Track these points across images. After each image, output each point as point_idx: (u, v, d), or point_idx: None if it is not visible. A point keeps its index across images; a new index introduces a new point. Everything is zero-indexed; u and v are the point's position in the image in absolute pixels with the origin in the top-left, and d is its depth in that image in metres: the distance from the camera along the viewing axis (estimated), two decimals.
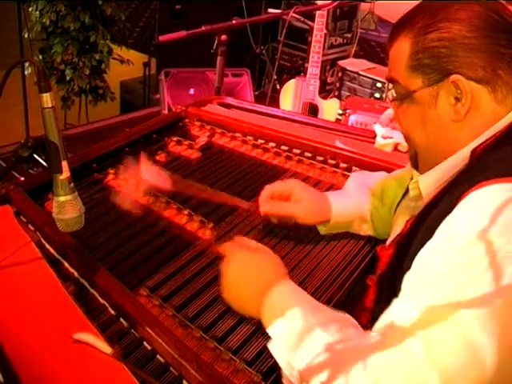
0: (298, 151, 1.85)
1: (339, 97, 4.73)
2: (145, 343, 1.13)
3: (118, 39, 4.99)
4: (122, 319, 1.17)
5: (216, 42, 2.12)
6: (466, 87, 1.00)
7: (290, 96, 3.47)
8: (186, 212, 1.48)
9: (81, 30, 4.56)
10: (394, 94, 1.12)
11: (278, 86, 4.45)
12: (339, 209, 1.42)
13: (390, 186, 1.45)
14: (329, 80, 5.37)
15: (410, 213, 1.20)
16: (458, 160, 1.03)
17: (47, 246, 1.32)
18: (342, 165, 1.79)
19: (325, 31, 3.48)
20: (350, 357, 0.88)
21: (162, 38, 2.11)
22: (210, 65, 4.28)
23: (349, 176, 1.64)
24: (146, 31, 6.47)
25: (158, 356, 1.10)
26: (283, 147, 1.87)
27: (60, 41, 4.57)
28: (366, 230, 1.46)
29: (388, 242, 1.23)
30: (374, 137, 2.00)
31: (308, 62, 3.21)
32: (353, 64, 5.03)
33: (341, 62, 5.01)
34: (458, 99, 1.01)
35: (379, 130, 1.99)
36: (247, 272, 1.14)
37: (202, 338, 1.14)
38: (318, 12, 3.09)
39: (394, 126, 1.96)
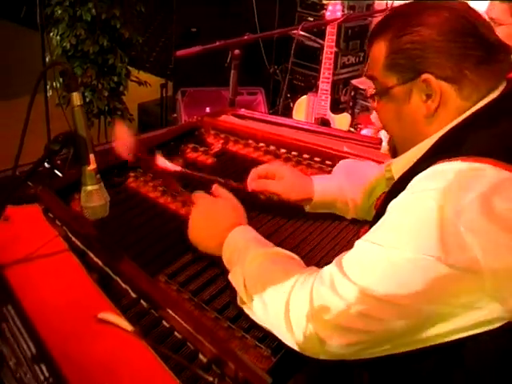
0: (307, 156, 1.95)
1: (352, 115, 4.83)
2: (163, 322, 1.22)
3: (136, 62, 5.14)
4: (142, 301, 1.26)
5: (230, 56, 2.24)
6: (436, 85, 1.11)
7: (302, 112, 3.59)
8: None
9: (100, 53, 4.70)
10: (374, 91, 1.24)
11: (291, 105, 4.57)
12: (321, 188, 1.57)
13: (380, 186, 1.56)
14: (342, 99, 5.46)
15: None
16: (425, 145, 1.15)
17: (73, 238, 1.42)
18: None
19: (336, 49, 3.59)
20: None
21: (179, 52, 2.24)
22: (224, 84, 4.44)
23: None
24: (163, 55, 6.63)
25: (175, 333, 1.20)
26: (293, 153, 1.97)
27: (80, 64, 4.71)
28: (349, 212, 1.60)
29: None
30: (380, 143, 2.10)
31: (319, 79, 3.32)
32: (365, 83, 5.12)
33: (354, 81, 5.11)
34: (428, 96, 1.13)
35: (385, 136, 2.09)
36: (209, 215, 1.35)
37: (216, 318, 1.24)
38: (328, 30, 3.21)
39: None
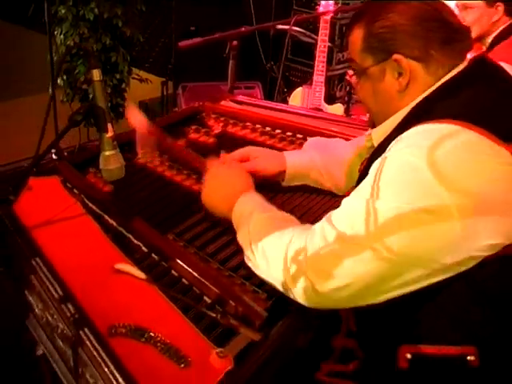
0: (300, 136, 2.12)
1: (347, 109, 4.99)
2: (172, 271, 1.39)
3: (137, 62, 5.29)
4: (153, 255, 1.43)
5: (228, 47, 2.41)
6: (406, 64, 1.27)
7: (297, 103, 3.76)
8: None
9: (102, 51, 4.85)
10: (353, 72, 1.41)
11: (288, 99, 4.73)
12: (293, 160, 1.75)
13: (354, 163, 1.73)
14: (337, 94, 5.63)
15: None
16: (400, 115, 1.31)
17: (90, 204, 1.59)
18: None
19: (330, 44, 3.76)
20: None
21: (182, 43, 2.41)
22: (223, 79, 4.60)
23: None
24: (163, 54, 6.78)
25: (183, 280, 1.37)
26: (288, 133, 2.14)
27: (83, 62, 4.86)
28: (325, 183, 1.78)
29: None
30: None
31: (314, 71, 3.49)
32: None
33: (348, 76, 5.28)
34: (400, 74, 1.29)
35: None
36: (222, 181, 1.51)
37: (218, 268, 1.41)
38: (321, 24, 3.38)
39: None
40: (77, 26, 4.71)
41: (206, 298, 1.33)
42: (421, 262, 1.12)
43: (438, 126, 1.16)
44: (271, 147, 2.01)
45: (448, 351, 1.20)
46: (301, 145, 2.05)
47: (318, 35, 3.77)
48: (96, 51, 4.78)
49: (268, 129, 2.17)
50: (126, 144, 1.88)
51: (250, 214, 1.39)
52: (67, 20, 4.69)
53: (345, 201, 1.25)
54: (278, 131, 2.15)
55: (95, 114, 1.30)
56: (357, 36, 1.33)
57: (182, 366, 1.15)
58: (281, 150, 2.01)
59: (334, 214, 1.23)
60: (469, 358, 1.18)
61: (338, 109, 3.87)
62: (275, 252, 1.27)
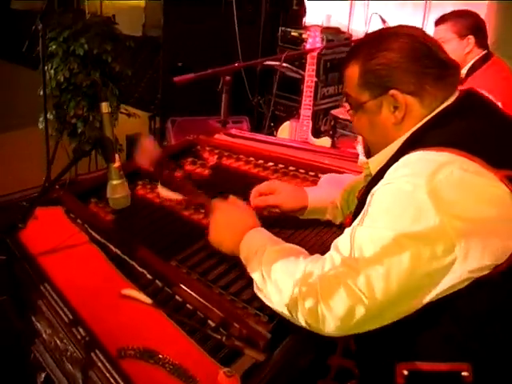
0: (292, 168, 2.20)
1: (333, 143, 5.10)
2: (176, 297, 1.45)
3: (125, 95, 5.37)
4: (157, 281, 1.49)
5: (221, 82, 2.50)
6: (402, 99, 1.35)
7: (285, 136, 3.85)
8: (202, 211, 1.81)
9: (92, 86, 4.92)
10: (350, 105, 1.48)
11: (274, 133, 4.83)
12: (314, 197, 1.81)
13: (356, 185, 1.81)
14: (322, 128, 5.75)
15: None
16: (396, 145, 1.39)
17: (93, 233, 1.65)
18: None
19: (316, 79, 3.87)
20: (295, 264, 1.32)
21: (176, 79, 2.50)
22: (208, 113, 4.71)
23: None
24: (149, 89, 6.87)
25: (187, 305, 1.43)
26: (280, 165, 2.21)
27: (73, 96, 4.93)
28: (338, 217, 1.83)
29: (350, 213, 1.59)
30: (357, 157, 2.35)
31: (301, 106, 3.59)
32: (344, 112, 5.40)
33: (333, 111, 5.39)
34: (396, 108, 1.37)
35: (361, 150, 2.34)
36: (229, 218, 1.55)
37: (220, 293, 1.46)
38: (308, 60, 3.49)
39: None
40: (67, 61, 4.80)
41: (210, 321, 1.38)
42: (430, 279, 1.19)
43: (431, 153, 1.24)
44: (265, 179, 2.07)
45: (443, 367, 1.26)
46: (294, 176, 2.14)
47: (303, 70, 3.89)
48: (85, 86, 4.86)
49: (261, 161, 2.24)
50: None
51: (261, 246, 1.42)
52: (58, 55, 4.78)
53: (348, 229, 1.30)
54: (270, 164, 2.23)
55: (103, 144, 1.37)
56: (353, 72, 1.41)
57: None
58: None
59: (339, 241, 1.29)
60: (463, 373, 1.25)
61: (325, 142, 3.97)
62: (287, 279, 1.30)
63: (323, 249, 1.63)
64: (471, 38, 2.84)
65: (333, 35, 5.33)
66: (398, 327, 1.25)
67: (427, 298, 1.20)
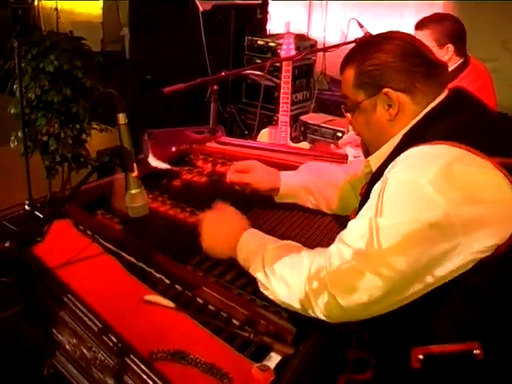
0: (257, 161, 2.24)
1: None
2: (197, 299, 1.48)
3: (97, 110, 5.36)
4: (176, 285, 1.52)
5: (209, 91, 2.56)
6: (394, 96, 1.45)
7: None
8: None
9: (63, 102, 4.91)
10: (347, 106, 1.57)
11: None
12: (287, 181, 1.95)
13: (346, 189, 1.93)
14: (292, 134, 5.82)
15: None
16: (394, 142, 1.48)
17: (105, 243, 1.67)
18: None
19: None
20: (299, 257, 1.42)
21: (166, 89, 2.53)
22: (182, 125, 4.73)
23: None
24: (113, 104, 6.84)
25: (209, 306, 1.46)
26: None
27: (44, 113, 4.90)
28: (312, 202, 1.96)
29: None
30: (346, 158, 2.42)
31: (279, 112, 3.66)
32: (313, 118, 5.51)
33: (302, 117, 5.48)
34: (389, 105, 1.47)
35: (350, 151, 2.42)
36: (219, 224, 1.64)
37: (240, 293, 1.50)
38: (284, 67, 3.56)
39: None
40: (37, 79, 4.77)
41: (234, 320, 1.42)
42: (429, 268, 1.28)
43: (429, 147, 1.33)
44: None
45: (455, 348, 1.34)
46: None
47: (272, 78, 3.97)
48: (57, 103, 4.84)
49: None
50: None
51: (259, 246, 1.52)
52: (27, 73, 4.75)
53: (353, 222, 1.38)
54: None
55: (122, 154, 1.40)
56: (349, 74, 1.51)
57: (226, 381, 1.24)
58: None
59: (346, 235, 1.36)
60: (474, 352, 1.32)
61: (304, 146, 4.04)
62: (296, 276, 1.39)
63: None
64: (450, 47, 2.91)
65: (299, 42, 5.41)
66: (409, 313, 1.34)
67: (434, 279, 1.29)
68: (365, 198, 1.46)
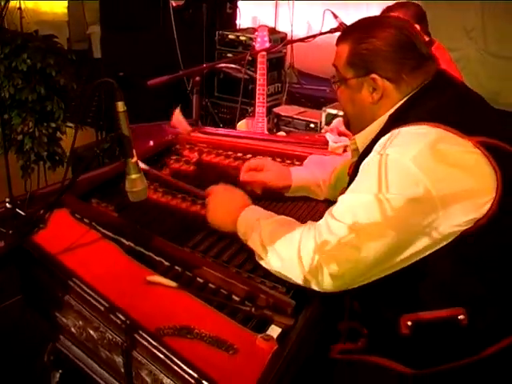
0: (269, 158, 2.32)
1: None
2: (197, 278, 1.55)
3: (71, 108, 5.36)
4: (176, 267, 1.58)
5: (191, 82, 2.62)
6: (380, 83, 1.53)
7: None
8: (199, 202, 1.91)
9: (37, 101, 4.90)
10: (335, 77, 1.65)
11: None
12: (298, 176, 2.02)
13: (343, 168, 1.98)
14: (266, 126, 5.89)
15: None
16: (380, 122, 1.56)
17: (102, 230, 1.72)
18: None
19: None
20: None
21: (150, 82, 2.58)
22: (159, 119, 4.77)
23: None
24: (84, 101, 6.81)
25: (209, 284, 1.53)
26: (259, 156, 2.34)
27: (18, 112, 4.90)
28: (321, 194, 2.03)
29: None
30: (327, 143, 2.50)
31: (254, 104, 3.72)
32: (286, 110, 5.58)
33: (275, 109, 5.55)
34: (374, 89, 1.55)
35: (330, 137, 2.50)
36: (224, 199, 1.73)
37: (237, 272, 1.57)
38: (259, 59, 3.63)
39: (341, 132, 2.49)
40: (10, 78, 4.76)
41: (234, 296, 1.49)
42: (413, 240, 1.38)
43: (412, 128, 1.42)
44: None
45: (441, 314, 1.42)
46: None
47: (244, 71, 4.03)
48: (31, 101, 4.84)
49: (240, 154, 2.36)
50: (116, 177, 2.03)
51: (256, 220, 1.60)
52: (0, 72, 4.74)
53: (344, 198, 1.46)
54: (249, 155, 2.35)
55: (121, 141, 1.45)
56: (344, 50, 1.58)
57: (231, 352, 1.30)
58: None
59: (337, 211, 1.44)
60: (459, 317, 1.41)
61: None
62: (288, 251, 1.47)
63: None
64: (417, 26, 3.02)
65: (270, 35, 5.46)
66: (398, 282, 1.44)
67: (416, 250, 1.38)
68: (353, 176, 1.54)
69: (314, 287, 1.44)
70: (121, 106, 1.45)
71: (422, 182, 1.33)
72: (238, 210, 1.67)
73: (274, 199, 2.02)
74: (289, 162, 2.30)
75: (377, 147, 1.46)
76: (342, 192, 1.64)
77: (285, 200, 2.03)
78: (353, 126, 1.68)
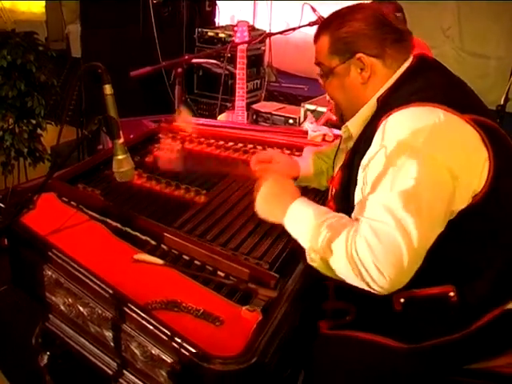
0: (251, 146, 2.39)
1: None
2: (183, 256, 1.60)
3: (50, 105, 5.37)
4: (162, 245, 1.63)
5: (173, 73, 2.67)
6: (367, 61, 1.58)
7: None
8: (183, 186, 1.97)
9: (18, 97, 4.90)
10: (321, 73, 1.68)
11: None
12: (304, 167, 2.06)
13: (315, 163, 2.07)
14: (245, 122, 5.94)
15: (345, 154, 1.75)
16: (370, 106, 1.61)
17: (90, 212, 1.76)
18: (286, 151, 2.35)
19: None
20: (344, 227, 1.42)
21: (133, 73, 2.63)
22: (139, 115, 4.83)
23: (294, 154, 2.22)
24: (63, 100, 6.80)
25: (195, 261, 1.58)
26: (240, 144, 2.40)
27: None
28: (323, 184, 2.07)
29: (334, 174, 1.77)
30: (306, 133, 2.57)
31: (234, 99, 3.79)
32: (265, 106, 5.63)
33: (254, 106, 5.61)
34: (362, 69, 1.60)
35: (309, 126, 2.57)
36: (274, 191, 1.65)
37: (222, 249, 1.62)
38: (238, 54, 3.68)
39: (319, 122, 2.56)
40: None
41: (219, 272, 1.54)
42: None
43: (405, 111, 1.45)
44: (228, 158, 2.33)
45: (433, 291, 1.48)
46: (253, 153, 2.32)
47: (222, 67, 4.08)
48: (11, 98, 4.84)
49: (221, 142, 2.42)
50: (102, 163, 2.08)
51: (306, 220, 1.51)
52: None
53: (373, 198, 1.42)
54: (230, 143, 2.41)
55: (109, 123, 1.50)
56: (324, 42, 1.63)
57: (218, 324, 1.36)
58: (236, 159, 2.28)
59: (372, 213, 1.39)
60: (450, 294, 1.47)
61: None
62: (338, 256, 1.40)
63: None
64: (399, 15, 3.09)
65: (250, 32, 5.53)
66: None
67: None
68: (350, 162, 1.61)
69: (377, 289, 1.37)
70: (108, 88, 1.50)
71: (439, 162, 1.37)
72: (287, 202, 1.58)
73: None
74: (271, 149, 2.35)
75: (376, 141, 1.47)
76: (331, 180, 1.70)
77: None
78: (347, 113, 1.69)
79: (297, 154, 2.31)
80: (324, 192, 2.04)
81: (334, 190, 1.72)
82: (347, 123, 1.69)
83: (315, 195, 2.04)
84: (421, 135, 1.39)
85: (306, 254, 1.49)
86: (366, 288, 1.36)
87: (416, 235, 1.32)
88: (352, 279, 1.38)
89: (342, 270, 1.39)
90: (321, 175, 2.05)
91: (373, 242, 1.32)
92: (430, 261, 1.41)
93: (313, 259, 1.46)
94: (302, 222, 1.51)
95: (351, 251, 1.35)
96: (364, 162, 1.50)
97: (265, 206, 1.65)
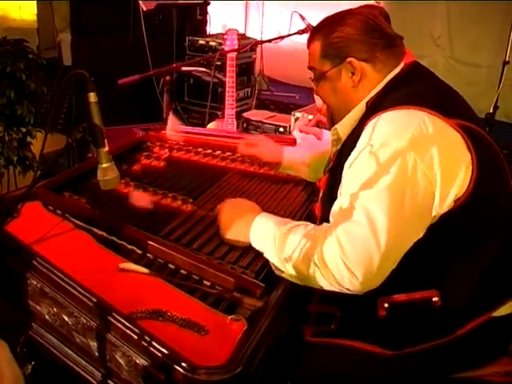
0: (239, 154, 2.38)
1: None
2: (169, 265, 1.59)
3: (41, 113, 5.35)
4: (148, 254, 1.63)
5: (162, 81, 2.66)
6: (357, 65, 1.60)
7: None
8: (170, 195, 1.96)
9: (7, 105, 4.88)
10: (314, 77, 1.71)
11: None
12: (288, 155, 2.15)
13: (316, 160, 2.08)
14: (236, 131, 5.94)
15: None
16: (358, 109, 1.63)
17: (75, 221, 1.75)
18: None
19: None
20: (318, 234, 1.43)
21: (121, 81, 2.62)
22: (128, 123, 4.80)
23: None
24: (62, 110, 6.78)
25: (181, 270, 1.58)
26: (228, 153, 2.40)
27: None
28: (307, 175, 2.14)
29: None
30: (295, 142, 2.56)
31: (224, 107, 3.78)
32: (255, 114, 5.64)
33: (245, 114, 5.61)
34: (353, 73, 1.62)
35: (297, 134, 2.57)
36: (234, 214, 1.69)
37: (208, 258, 1.62)
38: (228, 62, 3.68)
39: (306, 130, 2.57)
40: None
41: (205, 281, 1.54)
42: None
43: (392, 113, 1.47)
44: (216, 167, 2.32)
45: (416, 296, 1.49)
46: (241, 162, 2.32)
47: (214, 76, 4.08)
48: (1, 105, 4.82)
49: (209, 151, 2.41)
50: (89, 172, 2.07)
51: (270, 232, 1.56)
52: None
53: (342, 199, 1.46)
54: (218, 152, 2.40)
55: (93, 131, 1.49)
56: (316, 47, 1.65)
57: (203, 333, 1.35)
58: (225, 168, 2.28)
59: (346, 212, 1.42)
60: (433, 299, 1.47)
61: None
62: (304, 262, 1.44)
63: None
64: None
65: (241, 41, 5.53)
66: None
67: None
68: (336, 164, 1.62)
69: (351, 289, 1.40)
70: (93, 96, 1.49)
71: (416, 165, 1.39)
72: (250, 222, 1.62)
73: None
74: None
75: (362, 140, 1.49)
76: (321, 182, 1.71)
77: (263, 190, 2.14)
78: (337, 116, 1.72)
79: None
80: None
81: (322, 189, 1.74)
82: (336, 125, 1.71)
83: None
84: (404, 137, 1.41)
85: (271, 265, 1.54)
86: (338, 288, 1.39)
87: (387, 236, 1.34)
88: (322, 281, 1.41)
89: (316, 274, 1.40)
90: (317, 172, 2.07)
91: (344, 241, 1.35)
92: (412, 265, 1.44)
93: (280, 270, 1.51)
94: (267, 235, 1.56)
95: (322, 251, 1.38)
96: (349, 160, 1.51)
97: (227, 230, 1.68)
